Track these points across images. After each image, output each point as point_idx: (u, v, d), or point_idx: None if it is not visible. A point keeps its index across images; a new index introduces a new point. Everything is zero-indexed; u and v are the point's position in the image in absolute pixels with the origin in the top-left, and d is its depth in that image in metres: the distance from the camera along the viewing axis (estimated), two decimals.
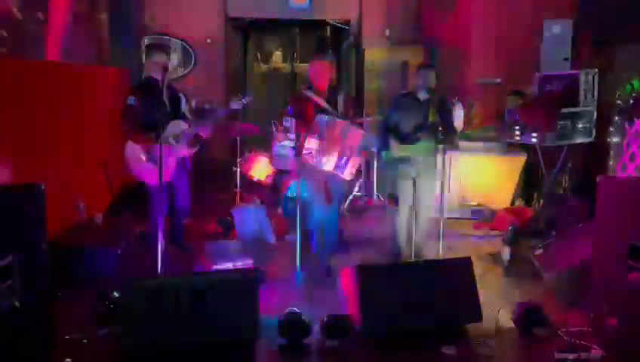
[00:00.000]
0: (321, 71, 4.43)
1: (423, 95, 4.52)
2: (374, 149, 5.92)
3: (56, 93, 4.93)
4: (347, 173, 4.25)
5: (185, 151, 4.48)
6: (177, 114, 4.51)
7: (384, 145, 4.64)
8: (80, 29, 6.14)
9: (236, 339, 3.24)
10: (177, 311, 3.15)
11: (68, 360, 2.98)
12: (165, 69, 4.21)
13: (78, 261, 4.20)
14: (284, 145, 5.02)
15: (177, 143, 4.40)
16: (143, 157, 4.31)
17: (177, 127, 4.42)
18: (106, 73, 6.42)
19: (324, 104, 4.40)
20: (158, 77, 4.24)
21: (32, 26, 5.09)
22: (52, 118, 4.81)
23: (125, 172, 4.49)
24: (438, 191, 4.59)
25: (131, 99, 4.32)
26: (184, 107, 4.58)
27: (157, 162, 3.94)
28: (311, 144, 4.12)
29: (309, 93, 4.43)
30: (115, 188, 5.34)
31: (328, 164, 4.16)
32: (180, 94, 4.62)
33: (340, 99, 4.51)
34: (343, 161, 4.15)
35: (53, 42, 5.44)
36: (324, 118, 4.16)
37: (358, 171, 6.66)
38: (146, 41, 7.95)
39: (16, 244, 2.82)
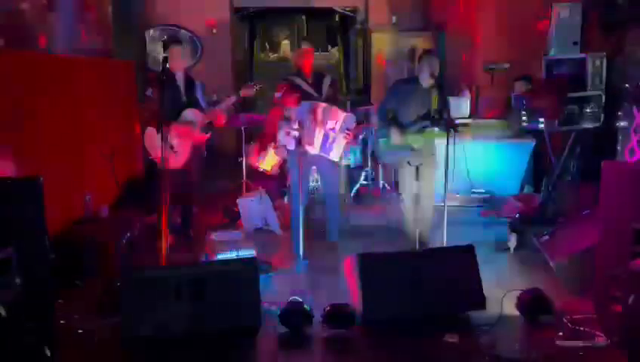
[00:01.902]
0: (307, 57, 4.72)
1: (426, 82, 4.47)
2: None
3: (60, 85, 4.94)
4: (335, 154, 4.49)
5: (200, 136, 4.69)
6: (193, 102, 4.75)
7: (383, 133, 4.60)
8: (84, 21, 6.15)
9: (237, 328, 3.25)
10: (178, 301, 3.17)
11: None
12: (182, 59, 4.68)
13: (83, 253, 4.22)
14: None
15: (193, 130, 4.62)
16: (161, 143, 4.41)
17: (192, 114, 4.66)
18: (111, 65, 6.43)
19: (310, 89, 4.65)
20: (174, 68, 4.62)
21: (34, 17, 5.10)
22: (56, 110, 4.82)
23: (131, 164, 4.51)
24: (441, 178, 4.54)
25: (149, 91, 4.60)
26: (199, 95, 4.82)
27: (172, 148, 4.37)
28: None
29: (297, 80, 4.69)
30: (120, 181, 5.37)
31: (314, 147, 4.40)
32: (197, 83, 4.87)
33: (326, 82, 4.74)
34: (328, 143, 4.38)
35: (56, 34, 5.45)
36: (305, 106, 4.41)
37: (365, 160, 6.68)
38: (151, 32, 7.95)
39: (16, 237, 2.84)
